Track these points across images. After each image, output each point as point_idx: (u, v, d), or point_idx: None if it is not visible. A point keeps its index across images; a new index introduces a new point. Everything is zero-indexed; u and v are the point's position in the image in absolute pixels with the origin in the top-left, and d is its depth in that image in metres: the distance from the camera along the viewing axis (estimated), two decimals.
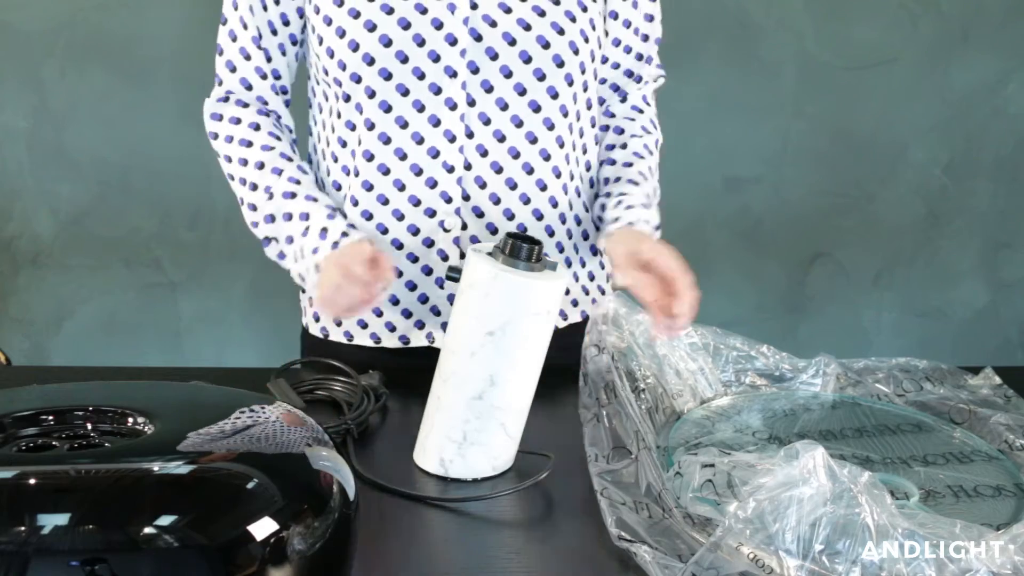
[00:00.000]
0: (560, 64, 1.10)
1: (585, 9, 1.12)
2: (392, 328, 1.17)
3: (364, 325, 1.17)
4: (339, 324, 1.20)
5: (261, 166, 1.12)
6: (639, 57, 1.23)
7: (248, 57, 1.14)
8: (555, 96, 1.11)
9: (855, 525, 0.72)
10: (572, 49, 1.11)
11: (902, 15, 2.24)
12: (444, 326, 1.15)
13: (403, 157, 1.10)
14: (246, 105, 1.15)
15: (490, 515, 0.86)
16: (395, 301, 1.15)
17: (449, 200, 1.11)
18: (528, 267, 0.89)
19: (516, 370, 0.90)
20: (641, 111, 1.25)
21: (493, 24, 1.08)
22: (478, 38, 1.08)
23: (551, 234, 1.16)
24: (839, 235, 2.33)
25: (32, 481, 0.60)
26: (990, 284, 2.45)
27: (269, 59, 1.15)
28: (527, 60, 1.09)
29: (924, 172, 2.33)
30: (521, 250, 0.89)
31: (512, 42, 1.08)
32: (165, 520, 0.58)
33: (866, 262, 2.35)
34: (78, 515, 0.57)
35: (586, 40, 1.12)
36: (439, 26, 1.07)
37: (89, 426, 0.70)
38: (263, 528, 0.60)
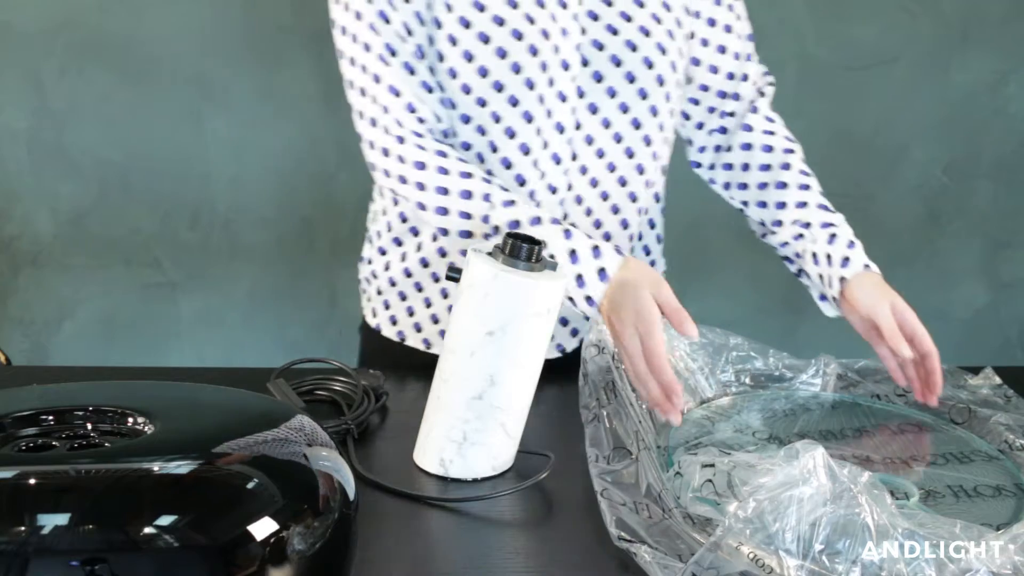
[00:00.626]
0: (661, 83, 1.13)
1: (680, 24, 1.14)
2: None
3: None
4: (404, 329, 1.21)
5: (469, 195, 1.05)
6: (737, 56, 1.22)
7: (413, 71, 1.07)
8: (655, 114, 1.14)
9: (855, 525, 0.72)
10: (672, 68, 1.13)
11: (902, 15, 2.24)
12: None
13: (523, 183, 1.11)
14: (421, 135, 1.07)
15: (490, 515, 0.86)
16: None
17: None
18: (528, 267, 0.89)
19: (516, 370, 0.90)
20: (773, 120, 1.26)
21: (601, 48, 1.10)
22: (585, 63, 1.10)
23: (632, 239, 1.19)
24: None
25: (32, 481, 0.60)
26: (990, 284, 2.45)
27: (432, 72, 1.09)
28: (631, 80, 1.11)
29: (924, 172, 2.32)
30: (521, 250, 0.89)
31: (618, 63, 1.10)
32: (165, 520, 0.58)
33: None
34: (78, 515, 0.57)
35: (681, 55, 1.15)
36: (556, 51, 1.08)
37: (89, 426, 0.70)
38: (263, 528, 0.60)
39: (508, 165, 1.11)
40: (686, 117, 1.25)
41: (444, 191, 1.05)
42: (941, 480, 0.91)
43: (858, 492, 0.72)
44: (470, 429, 0.90)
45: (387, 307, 1.23)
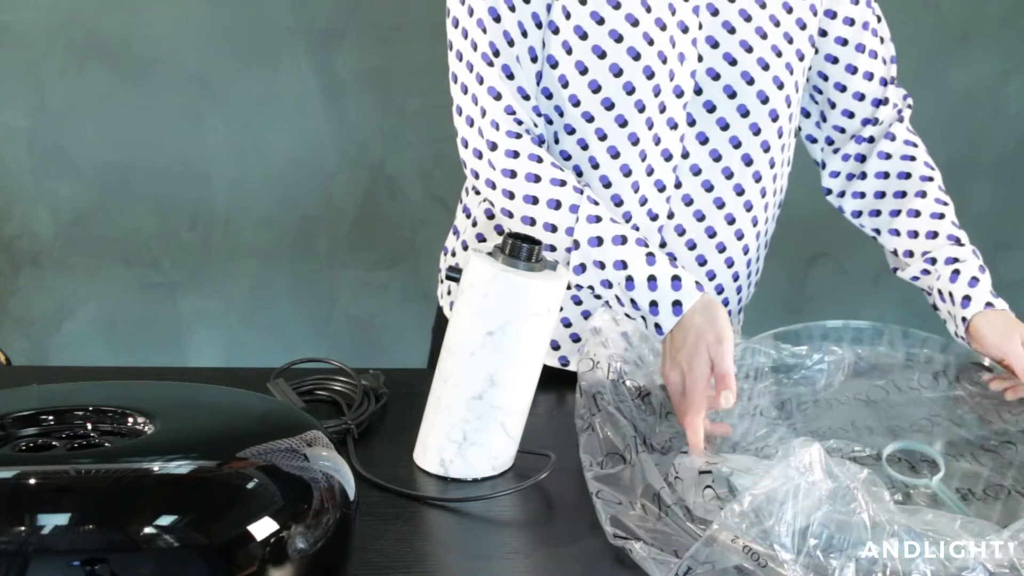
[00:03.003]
0: (775, 118, 1.10)
1: (802, 58, 1.12)
2: (556, 347, 1.17)
3: None
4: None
5: (557, 205, 1.02)
6: (884, 82, 1.20)
7: (512, 76, 1.04)
8: (767, 149, 1.11)
9: (851, 521, 0.72)
10: (787, 103, 1.11)
11: (902, 15, 2.24)
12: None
13: (619, 203, 1.09)
14: (518, 136, 1.05)
15: (490, 515, 0.87)
16: (567, 323, 1.16)
17: None
18: (528, 267, 0.89)
19: (516, 370, 0.90)
20: (916, 145, 1.21)
21: (716, 77, 1.07)
22: (698, 91, 1.08)
23: (735, 279, 1.16)
24: (839, 235, 2.33)
25: (32, 481, 0.60)
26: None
27: (539, 78, 1.07)
28: (745, 114, 1.09)
29: None
30: (521, 250, 0.89)
31: (732, 95, 1.08)
32: (165, 520, 0.58)
33: (866, 262, 2.35)
34: (78, 515, 0.57)
35: (796, 90, 1.12)
36: (672, 77, 1.06)
37: (89, 426, 0.70)
38: (263, 528, 0.60)
39: (607, 184, 1.08)
40: (830, 142, 1.22)
41: (533, 200, 1.02)
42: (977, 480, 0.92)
43: (855, 489, 0.73)
44: (470, 429, 0.90)
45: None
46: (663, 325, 0.97)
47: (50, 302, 2.21)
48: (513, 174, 1.03)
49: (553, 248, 1.03)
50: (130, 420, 0.69)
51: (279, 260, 2.22)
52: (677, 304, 0.96)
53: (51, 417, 0.70)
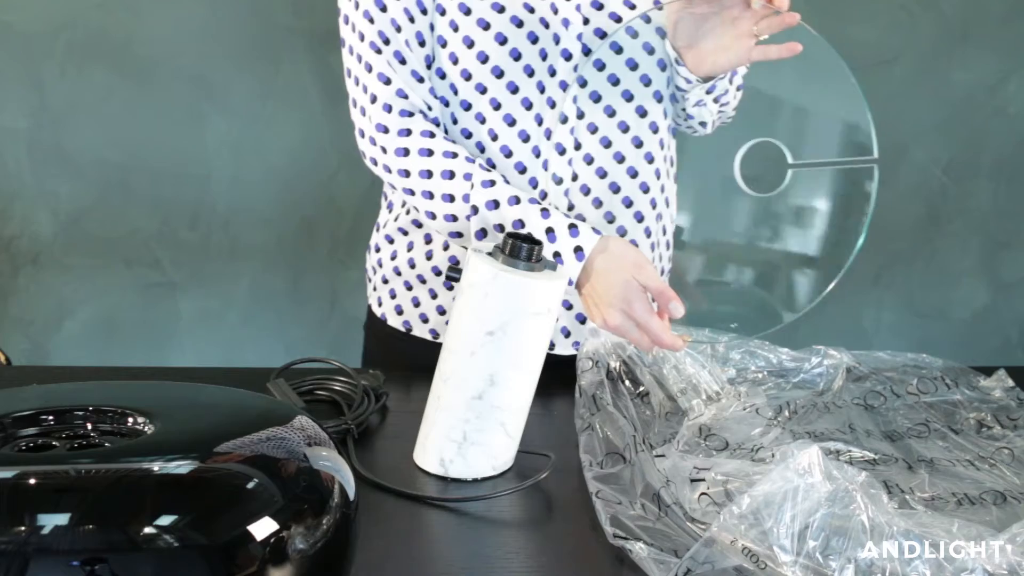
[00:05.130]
0: (663, 68, 1.13)
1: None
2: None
3: None
4: (426, 321, 1.21)
5: (451, 175, 1.07)
6: None
7: (404, 61, 1.09)
8: (660, 100, 1.14)
9: (850, 522, 0.72)
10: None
11: (902, 15, 2.24)
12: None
13: (523, 171, 1.12)
14: (411, 114, 1.09)
15: (490, 515, 0.87)
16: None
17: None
18: (528, 267, 0.89)
19: (516, 370, 0.90)
20: None
21: (603, 36, 1.10)
22: (587, 52, 1.10)
23: (648, 234, 1.18)
24: None
25: (32, 481, 0.60)
26: (990, 284, 2.45)
27: (427, 65, 1.11)
28: (634, 67, 1.12)
29: (924, 172, 2.33)
30: (521, 250, 0.89)
31: (619, 51, 1.11)
32: (165, 520, 0.58)
33: (866, 262, 2.35)
34: (78, 515, 0.57)
35: None
36: (557, 41, 1.09)
37: (89, 426, 0.70)
38: (263, 528, 0.60)
39: (508, 153, 1.11)
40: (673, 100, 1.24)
41: (428, 174, 1.07)
42: (943, 487, 0.92)
43: (854, 491, 0.73)
44: (470, 429, 0.91)
45: (393, 296, 1.23)
46: (570, 274, 1.00)
47: (50, 302, 2.21)
48: (406, 152, 1.08)
49: (455, 218, 1.06)
50: (130, 420, 0.69)
51: (279, 260, 2.22)
52: (579, 249, 1.01)
53: (51, 417, 0.70)
